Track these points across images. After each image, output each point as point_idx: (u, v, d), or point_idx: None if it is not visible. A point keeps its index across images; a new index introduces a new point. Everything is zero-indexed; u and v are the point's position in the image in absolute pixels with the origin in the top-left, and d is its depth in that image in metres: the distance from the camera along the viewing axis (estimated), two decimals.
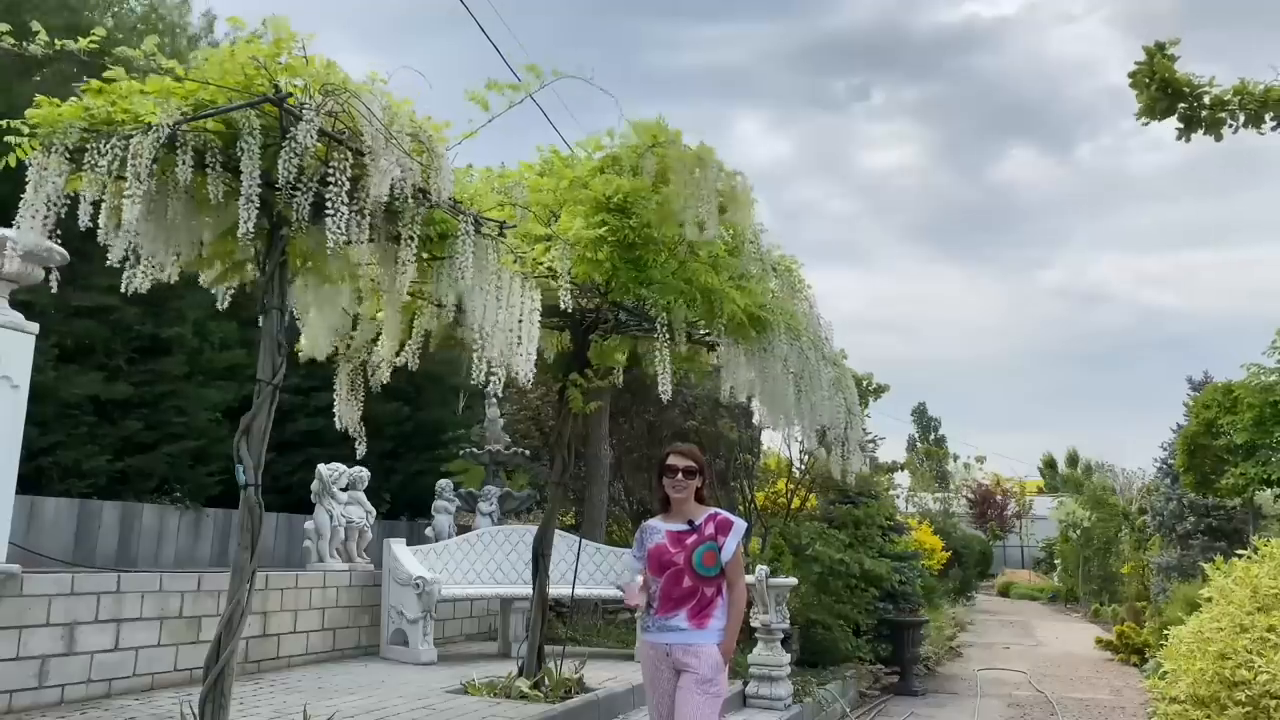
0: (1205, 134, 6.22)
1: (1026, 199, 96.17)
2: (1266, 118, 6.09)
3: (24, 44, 3.96)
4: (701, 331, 6.68)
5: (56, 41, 3.99)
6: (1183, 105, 6.17)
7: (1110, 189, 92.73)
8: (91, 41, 4.03)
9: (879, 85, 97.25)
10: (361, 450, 5.68)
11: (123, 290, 4.32)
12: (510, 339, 4.68)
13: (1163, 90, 6.13)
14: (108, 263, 4.11)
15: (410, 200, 4.25)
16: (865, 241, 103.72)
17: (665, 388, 5.85)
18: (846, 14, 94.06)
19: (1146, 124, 6.29)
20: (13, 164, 4.04)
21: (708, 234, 5.67)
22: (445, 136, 4.44)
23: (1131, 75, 6.24)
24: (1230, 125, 6.16)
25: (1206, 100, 6.16)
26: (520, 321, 4.74)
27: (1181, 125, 6.24)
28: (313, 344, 5.41)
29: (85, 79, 4.04)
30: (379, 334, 5.73)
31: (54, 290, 4.46)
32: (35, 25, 3.99)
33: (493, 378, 4.64)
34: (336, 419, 5.72)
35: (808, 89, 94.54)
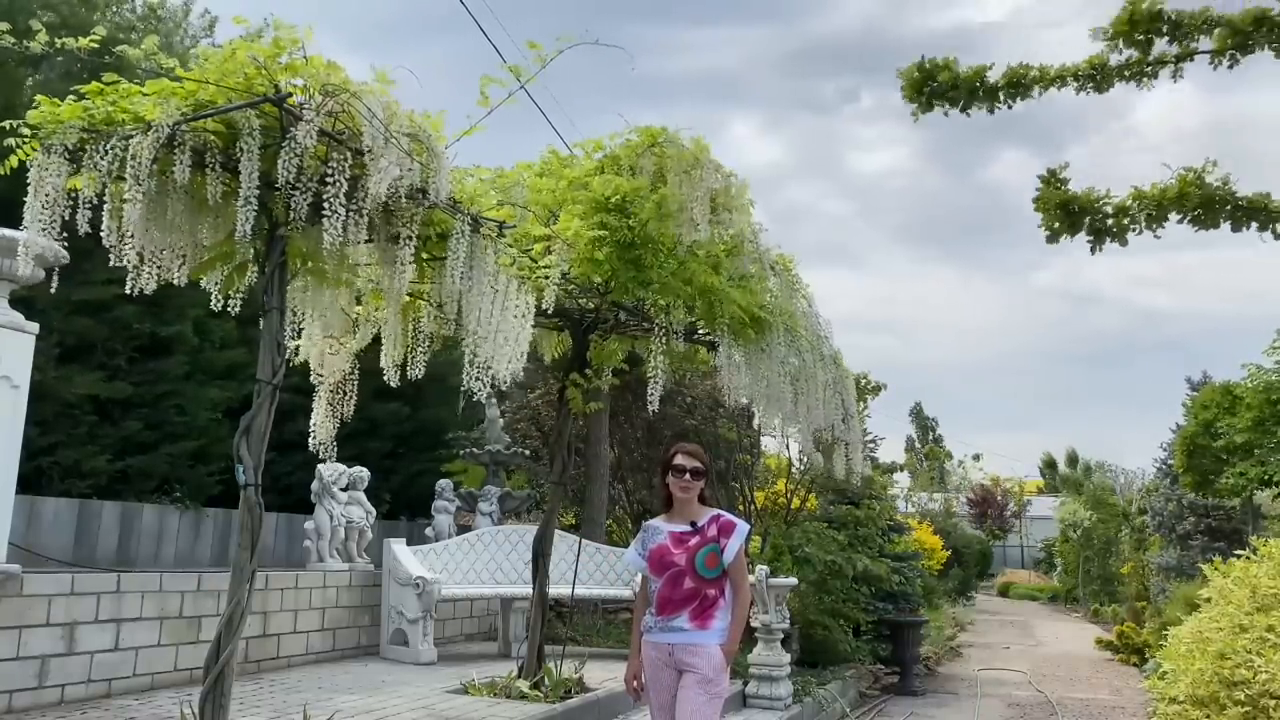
0: (1113, 242, 6.48)
1: (1018, 201, 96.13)
2: (1171, 215, 6.31)
3: (24, 43, 3.95)
4: (701, 332, 6.67)
5: (57, 40, 3.98)
6: (1089, 218, 6.41)
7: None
8: (93, 40, 4.03)
9: (868, 88, 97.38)
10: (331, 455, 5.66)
11: (128, 291, 4.32)
12: (499, 340, 4.63)
13: (1065, 210, 6.41)
14: (110, 262, 4.10)
15: (408, 200, 4.25)
16: (859, 243, 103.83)
17: (654, 398, 5.83)
18: (835, 18, 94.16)
19: (1056, 242, 6.60)
20: (14, 164, 4.04)
21: (700, 232, 5.66)
22: (444, 135, 4.44)
23: (1035, 201, 6.53)
24: (1134, 229, 6.41)
25: (1110, 209, 6.40)
26: (514, 323, 4.70)
27: (1091, 238, 6.50)
28: (313, 346, 5.41)
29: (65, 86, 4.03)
30: (371, 340, 5.69)
31: (53, 290, 4.45)
32: (35, 25, 3.98)
33: (477, 383, 4.63)
34: (311, 437, 5.63)
35: (798, 92, 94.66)
